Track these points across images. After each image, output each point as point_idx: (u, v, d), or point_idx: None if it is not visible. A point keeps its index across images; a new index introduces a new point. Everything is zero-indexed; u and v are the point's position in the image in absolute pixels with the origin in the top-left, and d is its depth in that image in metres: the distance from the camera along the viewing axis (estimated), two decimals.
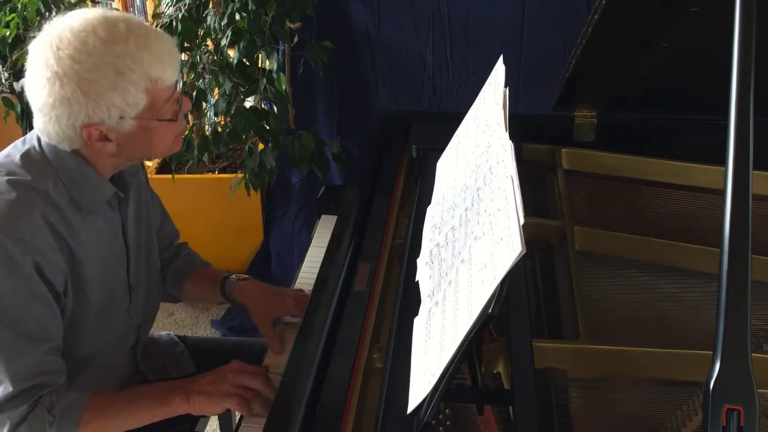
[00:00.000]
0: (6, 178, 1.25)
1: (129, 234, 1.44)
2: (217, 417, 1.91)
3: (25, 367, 1.26)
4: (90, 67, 1.19)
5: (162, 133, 1.31)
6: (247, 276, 1.70)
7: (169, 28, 2.39)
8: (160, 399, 1.36)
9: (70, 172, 1.29)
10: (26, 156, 1.29)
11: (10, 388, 1.25)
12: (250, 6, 2.31)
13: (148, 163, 3.46)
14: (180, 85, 2.27)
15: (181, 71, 2.52)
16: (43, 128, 1.26)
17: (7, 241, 1.20)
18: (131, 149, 1.31)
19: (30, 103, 1.26)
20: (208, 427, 1.93)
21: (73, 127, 1.24)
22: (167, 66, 1.25)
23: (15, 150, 1.31)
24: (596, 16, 1.52)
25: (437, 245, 1.28)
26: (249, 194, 2.53)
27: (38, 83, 1.21)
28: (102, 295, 1.38)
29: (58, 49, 1.19)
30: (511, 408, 1.17)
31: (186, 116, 1.41)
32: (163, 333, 1.78)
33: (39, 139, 1.31)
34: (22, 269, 1.22)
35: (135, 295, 1.49)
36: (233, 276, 1.68)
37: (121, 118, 1.24)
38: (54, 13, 2.45)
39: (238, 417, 1.41)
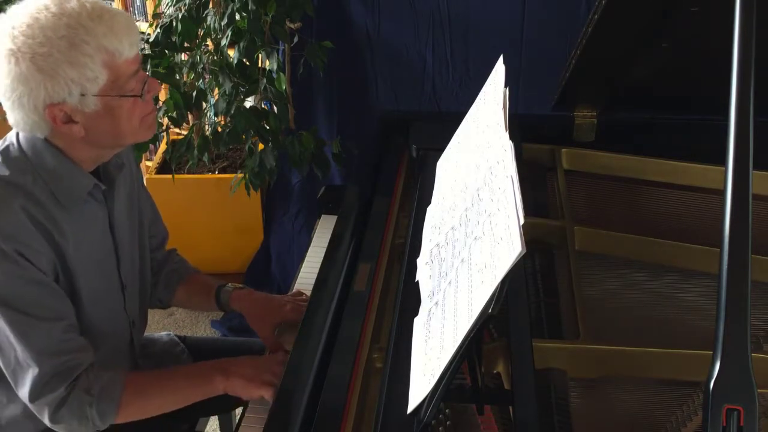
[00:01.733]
0: None
1: (117, 230, 1.43)
2: (217, 417, 1.91)
3: (46, 346, 1.27)
4: (43, 40, 1.19)
5: (128, 113, 1.29)
6: (242, 285, 1.69)
7: (169, 28, 2.39)
8: (202, 377, 1.38)
9: (49, 166, 1.29)
10: (4, 153, 1.29)
11: (37, 369, 1.26)
12: (250, 6, 2.31)
13: (147, 163, 3.46)
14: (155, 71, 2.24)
15: (181, 71, 2.53)
16: (11, 117, 1.26)
17: None
18: (99, 132, 1.28)
19: None
20: (208, 427, 1.93)
21: (36, 110, 1.22)
22: (123, 37, 1.23)
23: None
24: (596, 16, 1.52)
25: (437, 245, 1.28)
26: (249, 194, 2.53)
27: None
28: (92, 291, 1.38)
29: (13, 28, 1.20)
30: (511, 408, 1.17)
31: (156, 99, 1.37)
32: (163, 333, 1.78)
33: (17, 136, 1.31)
34: (10, 256, 1.22)
35: (128, 293, 1.48)
36: (229, 285, 1.67)
37: (82, 95, 1.23)
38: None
39: (238, 417, 1.41)
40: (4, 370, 1.29)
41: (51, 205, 1.29)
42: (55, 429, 1.31)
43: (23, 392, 1.28)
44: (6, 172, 1.27)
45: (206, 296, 1.68)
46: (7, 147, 1.30)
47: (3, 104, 1.25)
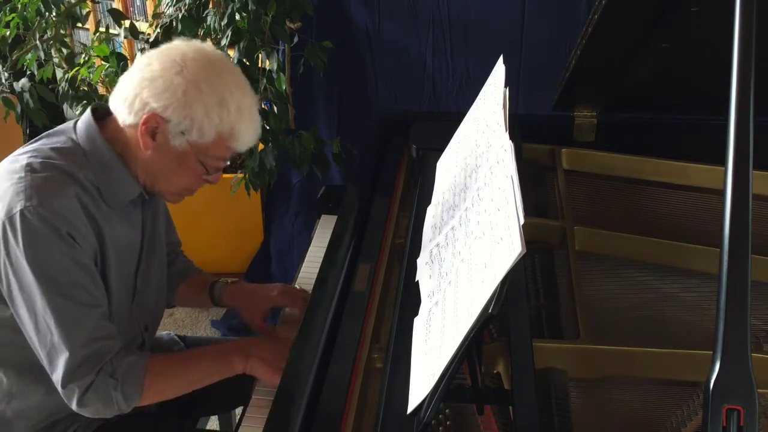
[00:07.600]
0: (41, 160, 1.31)
1: (147, 236, 1.48)
2: (217, 417, 1.91)
3: (84, 334, 1.30)
4: (209, 80, 1.30)
5: (184, 174, 1.38)
6: (236, 280, 1.70)
7: (169, 28, 2.39)
8: (221, 358, 1.41)
9: (102, 165, 1.35)
10: (62, 145, 1.35)
11: (70, 355, 1.29)
12: (250, 6, 2.31)
13: None
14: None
15: None
16: (118, 92, 1.33)
17: (47, 213, 1.25)
18: (155, 164, 1.36)
19: (127, 72, 1.34)
20: (208, 427, 1.93)
21: (144, 104, 1.30)
22: (249, 141, 1.37)
23: (49, 140, 1.37)
24: (596, 16, 1.53)
25: (437, 245, 1.28)
26: (249, 194, 2.53)
27: (163, 63, 1.30)
28: (117, 284, 1.41)
29: (196, 51, 1.33)
30: (511, 408, 1.17)
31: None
32: (164, 333, 1.78)
33: (75, 131, 1.37)
34: (64, 238, 1.27)
35: (139, 294, 1.49)
36: (221, 280, 1.69)
37: (182, 133, 1.31)
38: (54, 13, 2.44)
39: (238, 417, 1.41)
40: (40, 352, 1.31)
41: (98, 196, 1.34)
42: (81, 413, 1.33)
43: (56, 376, 1.30)
44: (61, 162, 1.32)
45: (202, 293, 1.69)
46: (65, 141, 1.36)
47: (122, 84, 1.33)
